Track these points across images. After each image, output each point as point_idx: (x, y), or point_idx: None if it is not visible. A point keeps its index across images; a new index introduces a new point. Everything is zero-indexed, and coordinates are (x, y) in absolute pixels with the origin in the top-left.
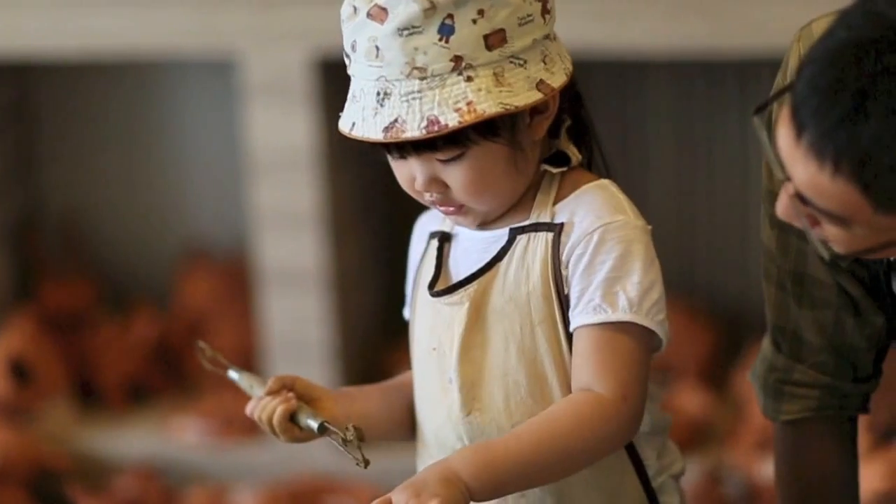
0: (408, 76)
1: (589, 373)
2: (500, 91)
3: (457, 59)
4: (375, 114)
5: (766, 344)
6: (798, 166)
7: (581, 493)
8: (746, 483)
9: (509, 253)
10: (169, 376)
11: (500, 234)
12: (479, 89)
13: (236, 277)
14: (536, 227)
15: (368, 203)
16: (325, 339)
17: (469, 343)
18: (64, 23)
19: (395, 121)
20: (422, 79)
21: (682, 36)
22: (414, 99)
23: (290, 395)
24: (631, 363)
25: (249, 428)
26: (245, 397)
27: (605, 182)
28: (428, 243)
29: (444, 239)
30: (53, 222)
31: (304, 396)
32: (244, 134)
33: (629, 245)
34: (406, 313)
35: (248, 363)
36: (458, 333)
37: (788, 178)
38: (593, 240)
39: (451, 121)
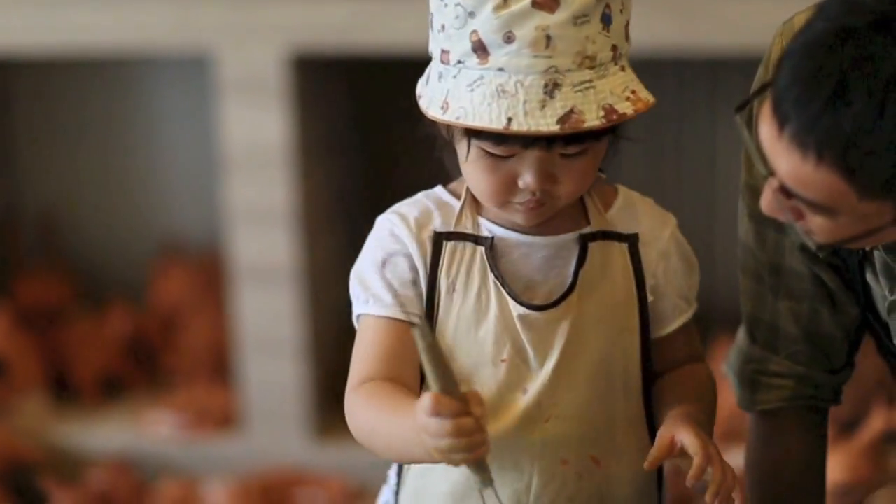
0: (579, 66)
1: (687, 353)
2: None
3: (614, 49)
4: (543, 106)
5: (741, 336)
6: (781, 159)
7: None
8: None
9: (588, 262)
10: (143, 371)
11: (564, 240)
12: (634, 79)
13: (210, 273)
14: (606, 236)
15: (341, 200)
16: (298, 335)
17: (564, 353)
18: (41, 19)
19: (571, 111)
20: (591, 68)
21: (652, 34)
22: (588, 89)
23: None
24: (698, 333)
25: (222, 421)
26: (216, 393)
27: (624, 188)
28: (440, 245)
29: (475, 241)
30: (30, 217)
31: None
32: (219, 130)
33: (686, 246)
34: (394, 313)
35: (222, 359)
36: (559, 347)
37: (772, 173)
38: (672, 252)
39: (626, 109)
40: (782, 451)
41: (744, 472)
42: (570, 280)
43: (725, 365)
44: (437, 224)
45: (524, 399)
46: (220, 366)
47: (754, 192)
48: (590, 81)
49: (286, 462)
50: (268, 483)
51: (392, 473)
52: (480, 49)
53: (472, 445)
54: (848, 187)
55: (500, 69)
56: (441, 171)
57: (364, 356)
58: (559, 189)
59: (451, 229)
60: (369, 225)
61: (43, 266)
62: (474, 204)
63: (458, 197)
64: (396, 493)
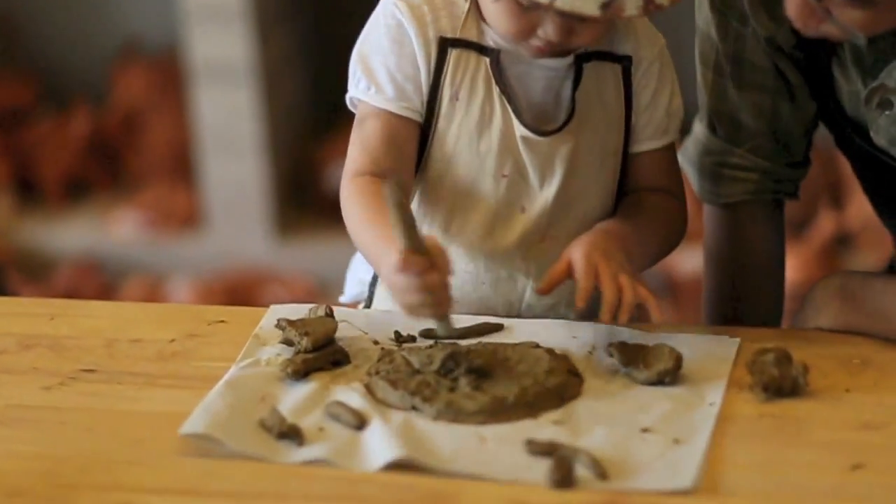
0: None
1: (661, 182)
2: None
3: None
4: None
5: (699, 128)
6: None
7: None
8: (665, 278)
9: (583, 83)
10: (106, 171)
11: (562, 62)
12: None
13: (170, 73)
14: (600, 56)
15: None
16: (256, 132)
17: (563, 176)
18: None
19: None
20: None
21: None
22: None
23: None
24: (680, 170)
25: (185, 221)
26: (179, 192)
27: None
28: (445, 51)
29: (480, 51)
30: None
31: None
32: None
33: (671, 67)
34: (395, 108)
35: (184, 158)
36: (560, 172)
37: None
38: (656, 69)
39: (664, 1)
40: (745, 243)
41: (703, 266)
42: (568, 103)
43: (681, 156)
44: (444, 24)
45: (522, 218)
46: (182, 165)
47: None
48: None
49: (249, 260)
50: (231, 281)
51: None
52: None
53: (437, 301)
54: None
55: None
56: None
57: (362, 148)
58: (574, 40)
59: (458, 35)
60: (323, 20)
61: (5, 69)
62: (479, 10)
63: None
64: (372, 284)
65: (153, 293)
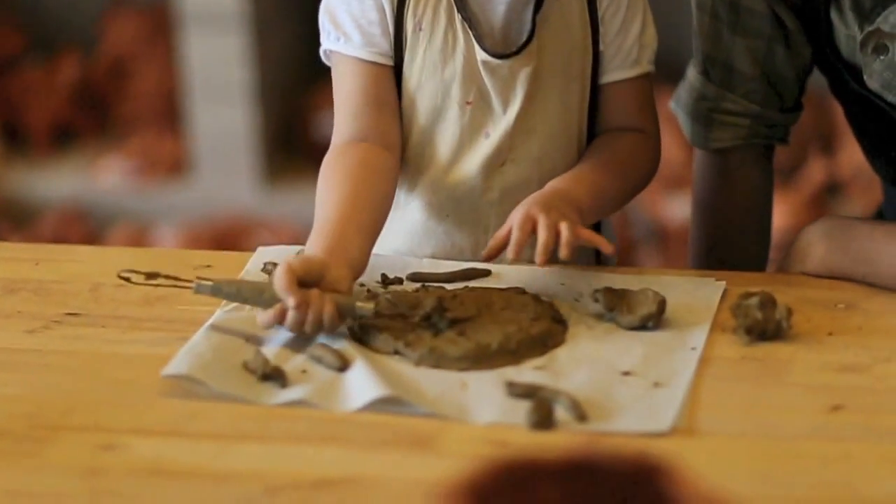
0: None
1: (633, 118)
2: None
3: None
4: None
5: (692, 73)
6: None
7: None
8: (653, 225)
9: (544, 7)
10: (93, 119)
11: None
12: None
13: (159, 19)
14: None
15: None
16: (246, 79)
17: (524, 100)
18: None
19: None
20: None
21: None
22: None
23: (327, 297)
24: (655, 106)
25: (172, 168)
26: (167, 140)
27: None
28: None
29: None
30: None
31: (312, 277)
32: None
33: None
34: (364, 54)
35: (172, 106)
36: (521, 95)
37: None
38: (624, 1)
39: None
40: (734, 189)
41: (690, 212)
42: (528, 26)
43: (673, 102)
44: None
45: (486, 143)
46: (170, 113)
47: None
48: None
49: (236, 208)
50: (218, 229)
51: None
52: None
53: (313, 322)
54: None
55: None
56: None
57: (342, 109)
58: None
59: None
60: None
61: None
62: None
63: None
64: None
65: (139, 241)
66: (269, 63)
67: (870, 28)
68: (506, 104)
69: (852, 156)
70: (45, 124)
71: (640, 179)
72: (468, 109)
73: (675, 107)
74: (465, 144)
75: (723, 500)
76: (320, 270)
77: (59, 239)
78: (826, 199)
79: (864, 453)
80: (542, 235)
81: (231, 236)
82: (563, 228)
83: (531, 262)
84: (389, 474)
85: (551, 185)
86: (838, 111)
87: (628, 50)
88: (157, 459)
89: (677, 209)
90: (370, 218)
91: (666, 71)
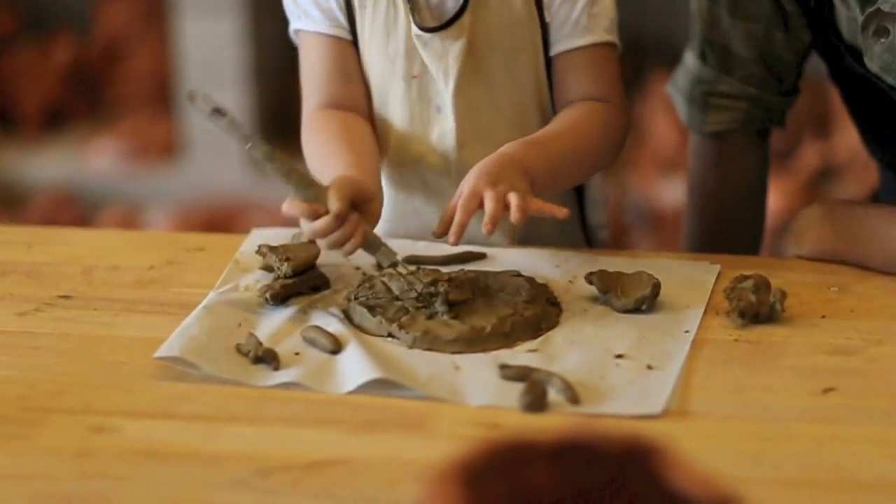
0: None
1: (590, 88)
2: None
3: None
4: None
5: (690, 57)
6: None
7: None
8: (648, 209)
9: None
10: (86, 101)
11: None
12: None
13: (153, 2)
14: None
15: None
16: (240, 61)
17: (463, 74)
18: None
19: None
20: None
21: None
22: None
23: (361, 227)
24: (619, 77)
25: (165, 151)
26: (159, 122)
27: None
28: None
29: None
30: None
31: (359, 199)
32: None
33: None
34: (325, 28)
35: (165, 88)
36: (455, 69)
37: None
38: None
39: None
40: (730, 172)
41: (686, 194)
42: (461, 1)
43: (670, 86)
44: None
45: (439, 118)
46: (163, 95)
47: None
48: None
49: (228, 191)
50: (209, 212)
51: None
52: None
53: (339, 240)
54: None
55: None
56: None
57: (311, 80)
58: None
59: None
60: None
61: None
62: None
63: None
64: None
65: (131, 224)
66: (263, 46)
67: (871, 8)
68: (446, 78)
69: (847, 139)
70: (37, 107)
71: (604, 149)
72: (414, 82)
73: (672, 91)
74: (416, 117)
75: (715, 482)
76: (368, 198)
77: (49, 222)
78: (821, 183)
79: (855, 435)
80: (488, 207)
81: (223, 219)
82: (513, 198)
83: (526, 244)
84: (382, 456)
85: (503, 150)
86: (834, 95)
87: (576, 19)
88: (149, 441)
89: (672, 193)
90: (377, 170)
91: (664, 56)
